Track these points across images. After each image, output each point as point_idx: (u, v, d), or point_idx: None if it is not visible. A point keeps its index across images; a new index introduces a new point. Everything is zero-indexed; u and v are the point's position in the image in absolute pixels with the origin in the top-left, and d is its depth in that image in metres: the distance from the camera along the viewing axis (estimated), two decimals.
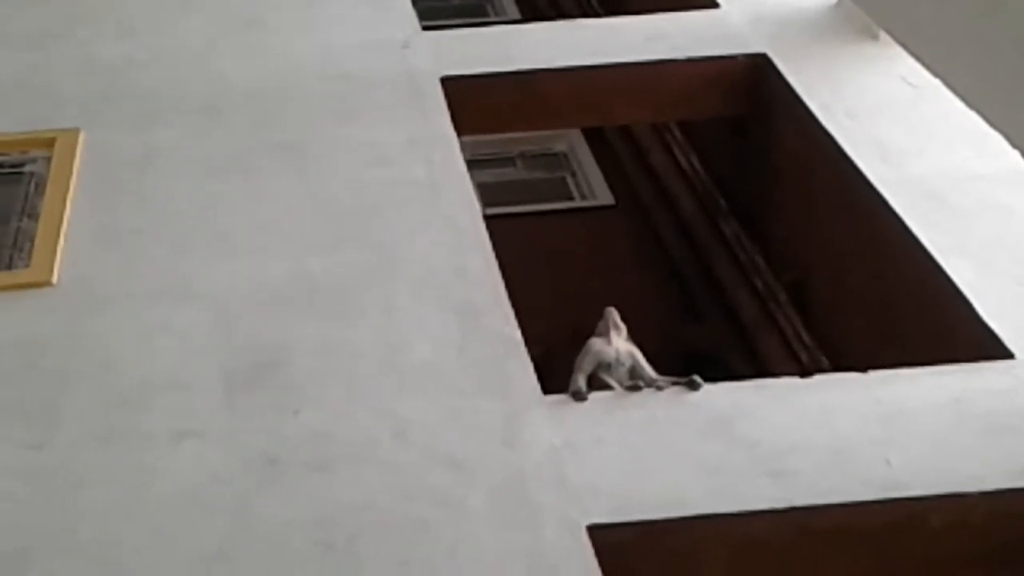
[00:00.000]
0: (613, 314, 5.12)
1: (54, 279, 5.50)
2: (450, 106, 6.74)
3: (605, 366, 5.03)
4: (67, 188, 6.07)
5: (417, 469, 4.54)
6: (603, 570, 4.18)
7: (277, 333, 5.18)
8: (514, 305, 5.34)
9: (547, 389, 4.95)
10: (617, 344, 5.07)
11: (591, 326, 5.16)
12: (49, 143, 6.41)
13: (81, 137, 6.44)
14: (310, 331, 5.20)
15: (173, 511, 4.38)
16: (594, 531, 4.32)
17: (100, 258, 5.64)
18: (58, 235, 5.74)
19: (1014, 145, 3.99)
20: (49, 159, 6.30)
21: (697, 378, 4.96)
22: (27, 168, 6.31)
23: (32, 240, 5.75)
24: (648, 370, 5.03)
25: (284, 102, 6.81)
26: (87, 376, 4.99)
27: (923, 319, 5.82)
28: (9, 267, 5.64)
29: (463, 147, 6.50)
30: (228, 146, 6.43)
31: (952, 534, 4.50)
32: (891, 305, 6.14)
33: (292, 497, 4.42)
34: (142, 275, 5.53)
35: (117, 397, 4.88)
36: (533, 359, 5.08)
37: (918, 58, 5.23)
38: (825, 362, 6.50)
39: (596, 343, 5.08)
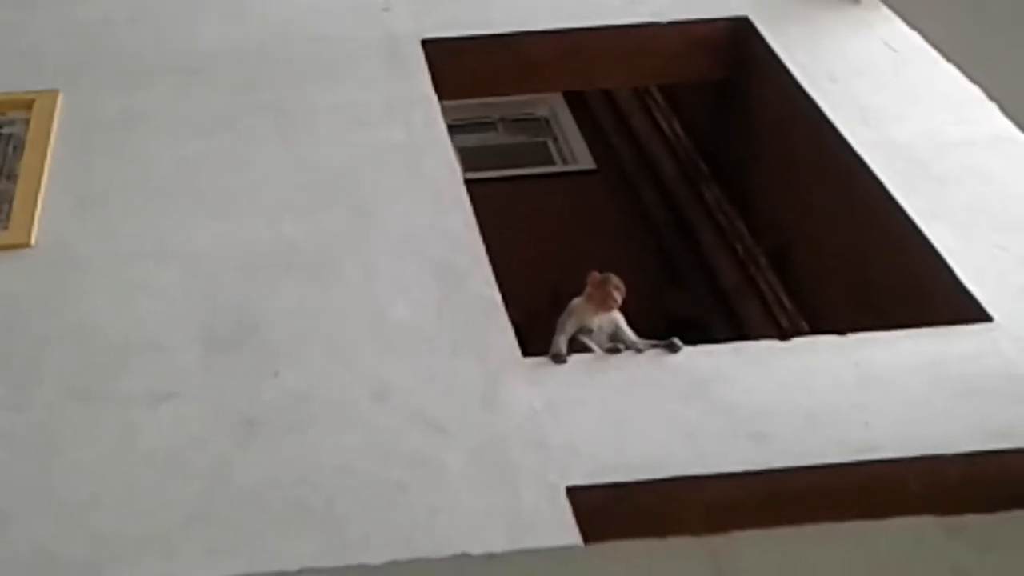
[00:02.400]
0: (613, 282, 5.05)
1: (32, 241, 5.48)
2: (431, 69, 6.72)
3: (587, 329, 5.03)
4: (46, 150, 6.04)
5: (396, 431, 4.55)
6: (582, 531, 4.19)
7: (256, 295, 5.17)
8: (495, 269, 5.34)
9: (527, 352, 4.95)
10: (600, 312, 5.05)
11: (572, 291, 5.16)
12: (28, 104, 6.37)
13: (60, 98, 6.41)
14: (289, 293, 5.19)
15: (151, 472, 4.38)
16: (573, 492, 4.33)
17: (79, 220, 5.62)
18: (37, 197, 5.71)
19: (992, 98, 3.99)
20: (28, 121, 6.26)
21: (677, 341, 4.97)
22: (5, 130, 6.27)
23: (10, 202, 5.72)
24: (629, 334, 5.04)
25: (264, 64, 6.78)
26: (66, 337, 4.98)
27: (903, 283, 5.84)
28: None
29: (444, 111, 6.48)
30: (208, 108, 6.41)
31: (928, 496, 4.52)
32: (871, 269, 6.16)
33: (270, 458, 4.43)
34: (121, 237, 5.51)
35: (96, 358, 4.87)
36: (513, 322, 5.08)
37: (896, 11, 5.21)
38: (805, 326, 6.51)
39: (579, 306, 5.07)
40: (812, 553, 1.93)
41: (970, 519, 1.95)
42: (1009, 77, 3.91)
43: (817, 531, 1.96)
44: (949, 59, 4.53)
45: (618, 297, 5.02)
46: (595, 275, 5.09)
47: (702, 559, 1.89)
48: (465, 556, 1.90)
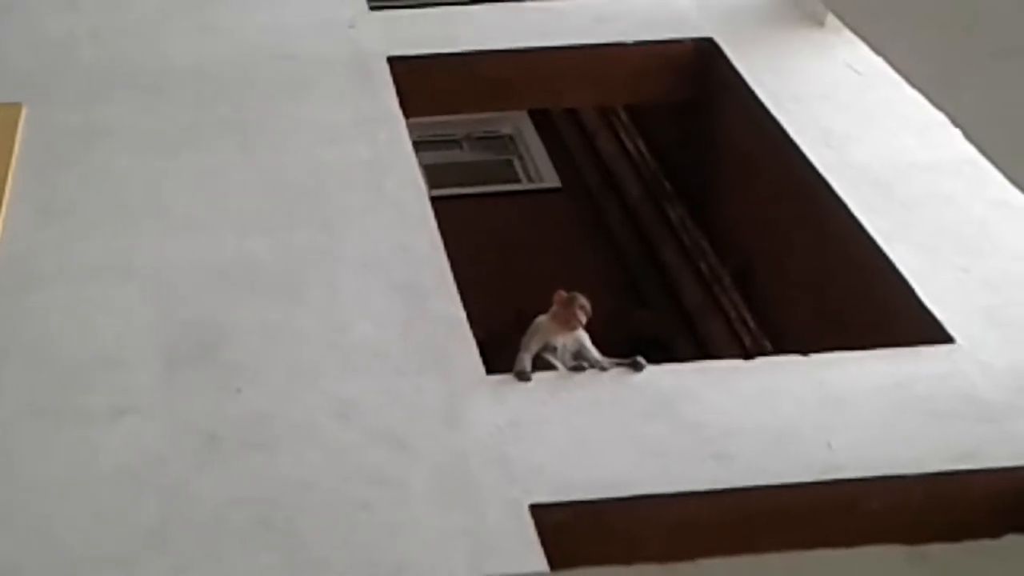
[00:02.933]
0: (579, 302, 5.04)
1: None
2: (397, 86, 6.72)
3: (551, 348, 5.03)
4: (8, 164, 6.00)
5: (359, 449, 4.53)
6: (545, 549, 4.18)
7: (219, 311, 5.14)
8: (459, 286, 5.33)
9: (491, 370, 4.94)
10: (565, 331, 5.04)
11: (536, 309, 5.15)
12: None
13: (23, 112, 6.37)
14: (253, 310, 5.17)
15: (111, 488, 4.34)
16: (536, 511, 4.32)
17: (41, 234, 5.59)
18: None
19: (956, 124, 4.01)
20: None
21: (640, 359, 4.97)
22: None
23: None
24: (594, 352, 5.03)
25: (229, 81, 6.76)
26: (25, 352, 4.94)
27: (866, 304, 5.86)
28: None
29: (410, 129, 6.47)
30: (172, 124, 6.38)
31: (890, 517, 4.53)
32: (834, 290, 6.18)
33: (231, 475, 4.40)
34: (83, 252, 5.48)
35: (56, 374, 4.83)
36: (477, 340, 5.07)
37: (861, 36, 5.24)
38: (768, 346, 6.53)
39: (543, 323, 5.07)
40: None
41: (934, 548, 1.94)
42: (972, 103, 3.93)
43: (781, 559, 1.95)
44: (913, 85, 4.55)
45: (583, 317, 5.02)
46: (561, 294, 5.08)
47: None
48: None
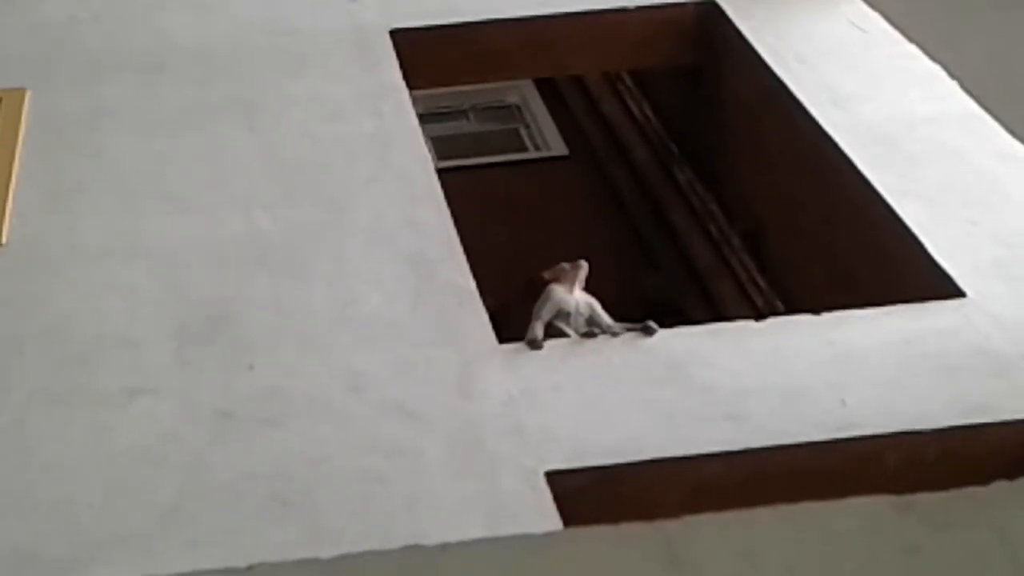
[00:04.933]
0: (583, 270, 5.09)
1: (3, 240, 5.44)
2: (400, 59, 6.70)
3: (564, 315, 5.03)
4: (14, 149, 6.00)
5: (372, 421, 4.53)
6: (561, 516, 4.18)
7: (228, 289, 5.15)
8: (468, 257, 5.32)
9: (502, 339, 4.94)
10: (576, 294, 5.08)
11: (547, 278, 5.15)
12: None
13: (27, 97, 6.37)
14: (262, 286, 5.17)
15: (127, 469, 4.35)
16: (552, 478, 4.32)
17: (49, 218, 5.59)
18: (6, 196, 5.68)
19: (952, 76, 4.00)
20: None
21: (652, 324, 4.97)
22: None
23: None
24: (605, 318, 5.04)
25: (231, 58, 6.75)
26: (38, 336, 4.95)
27: (876, 261, 5.85)
28: None
29: (415, 101, 6.46)
30: (176, 103, 6.37)
31: (906, 472, 4.53)
32: (843, 248, 6.16)
33: (246, 452, 4.41)
34: (92, 234, 5.48)
35: (68, 357, 4.84)
36: (488, 310, 5.07)
37: None
38: (780, 306, 6.52)
39: (557, 291, 5.08)
40: (765, 536, 1.91)
41: (922, 497, 1.94)
42: (969, 55, 3.92)
43: (770, 513, 1.95)
44: (910, 38, 4.53)
45: (582, 269, 5.05)
46: (564, 265, 5.13)
47: (655, 545, 1.88)
48: (417, 547, 1.90)
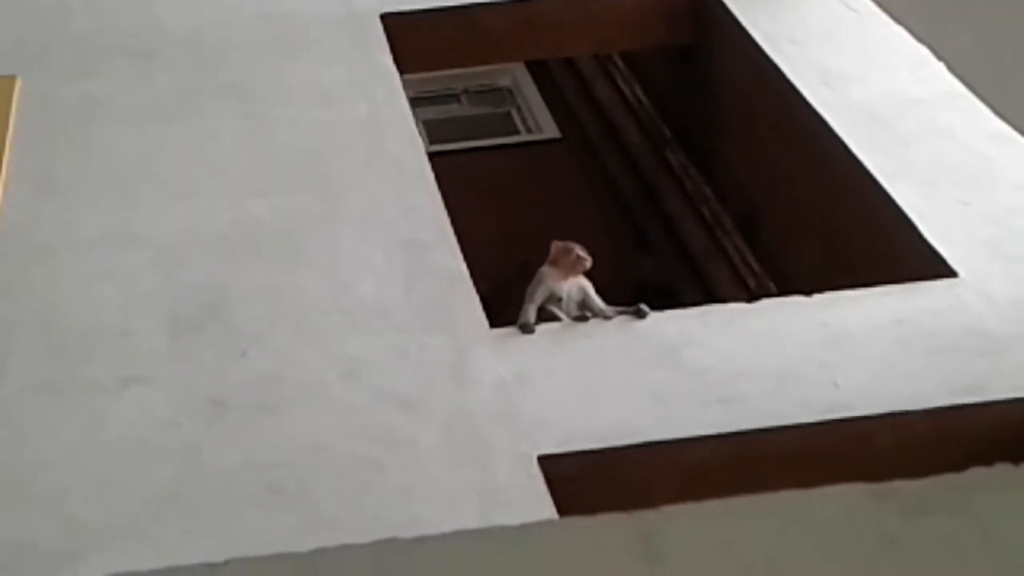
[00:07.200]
0: (577, 249, 5.05)
1: None
2: (391, 43, 6.69)
3: (556, 299, 5.03)
4: (5, 136, 5.99)
5: (367, 409, 4.54)
6: (555, 500, 4.20)
7: (222, 277, 5.15)
8: (461, 241, 5.33)
9: (495, 323, 4.95)
10: (569, 278, 5.05)
11: (540, 260, 5.14)
12: None
13: (17, 84, 6.35)
14: (255, 273, 5.17)
15: (122, 457, 4.36)
16: (545, 462, 4.33)
17: (41, 206, 5.59)
18: None
19: (939, 57, 4.00)
20: None
21: (644, 307, 4.97)
22: None
23: None
24: (598, 301, 5.03)
25: (223, 44, 6.74)
26: (31, 325, 4.95)
27: (869, 242, 5.85)
28: None
29: (407, 85, 6.46)
30: (168, 90, 6.36)
31: (899, 452, 4.54)
32: (836, 229, 6.17)
33: (241, 440, 4.41)
34: (84, 222, 5.48)
35: (62, 345, 4.85)
36: (481, 294, 5.08)
37: None
38: (773, 287, 6.53)
39: (548, 274, 5.06)
40: (740, 525, 1.92)
41: (899, 485, 1.95)
42: (954, 37, 3.92)
43: (746, 503, 1.95)
44: (897, 20, 4.53)
45: (585, 262, 5.00)
46: (557, 243, 5.08)
47: (631, 535, 1.88)
48: (392, 540, 1.90)
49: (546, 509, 4.12)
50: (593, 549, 1.88)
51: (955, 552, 1.89)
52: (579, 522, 1.87)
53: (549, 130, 9.04)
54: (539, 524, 2.06)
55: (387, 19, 6.87)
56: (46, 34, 6.85)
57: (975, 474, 1.96)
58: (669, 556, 1.86)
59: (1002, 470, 1.97)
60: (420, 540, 1.84)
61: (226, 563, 1.84)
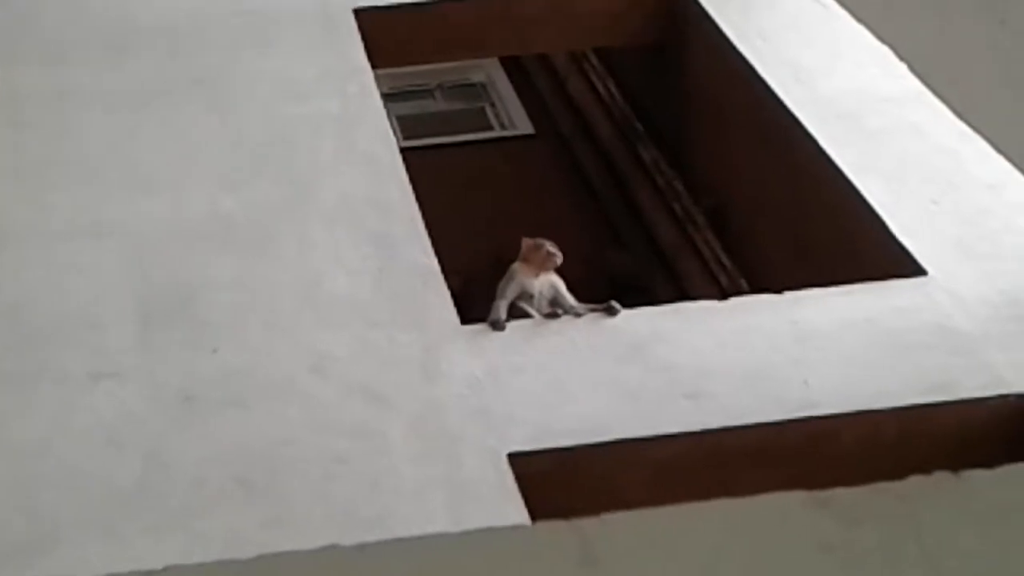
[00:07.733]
0: (548, 246, 5.05)
1: None
2: (364, 38, 6.67)
3: (527, 296, 5.02)
4: None
5: (336, 403, 4.54)
6: (524, 497, 4.20)
7: (192, 269, 5.13)
8: (434, 236, 5.32)
9: (466, 319, 4.95)
10: (540, 275, 5.05)
11: (513, 256, 5.14)
12: None
13: None
14: (226, 267, 5.16)
15: (89, 451, 4.35)
16: (514, 459, 4.33)
17: (10, 196, 5.56)
18: None
19: (901, 58, 4.01)
20: None
21: (615, 304, 4.98)
22: None
23: None
24: (569, 298, 5.03)
25: (195, 37, 6.71)
26: None
27: (838, 238, 5.87)
28: None
29: (381, 80, 6.44)
30: (139, 82, 6.34)
31: (867, 451, 4.56)
32: (807, 225, 6.19)
33: (209, 434, 4.41)
34: (54, 213, 5.46)
35: (30, 337, 4.82)
36: (453, 290, 5.07)
37: None
38: (744, 284, 6.54)
39: (519, 271, 5.06)
40: (679, 532, 1.92)
41: (838, 493, 1.95)
42: (916, 36, 3.92)
43: (685, 510, 1.95)
44: (858, 19, 4.53)
45: (556, 259, 5.00)
46: (528, 240, 5.09)
47: (570, 543, 1.88)
48: (334, 547, 1.91)
49: (515, 506, 4.13)
50: (532, 556, 1.88)
51: (890, 561, 1.90)
52: (520, 530, 1.87)
53: (523, 126, 9.03)
54: (481, 532, 2.05)
55: (360, 14, 6.85)
56: (17, 24, 6.81)
57: (913, 482, 1.97)
58: (606, 563, 1.87)
59: (941, 478, 1.97)
60: (362, 547, 1.84)
61: (164, 569, 1.85)
